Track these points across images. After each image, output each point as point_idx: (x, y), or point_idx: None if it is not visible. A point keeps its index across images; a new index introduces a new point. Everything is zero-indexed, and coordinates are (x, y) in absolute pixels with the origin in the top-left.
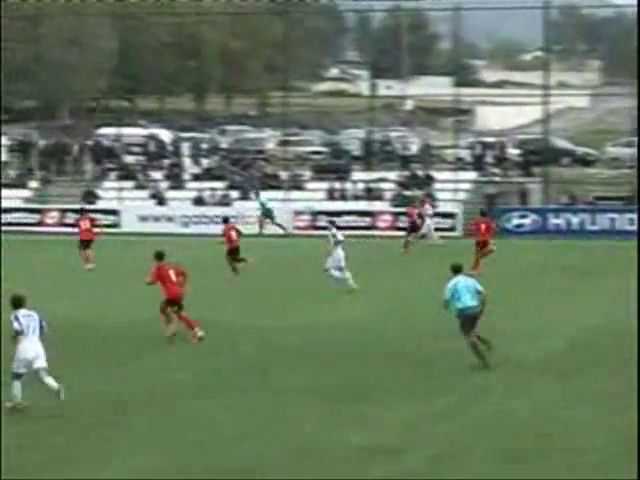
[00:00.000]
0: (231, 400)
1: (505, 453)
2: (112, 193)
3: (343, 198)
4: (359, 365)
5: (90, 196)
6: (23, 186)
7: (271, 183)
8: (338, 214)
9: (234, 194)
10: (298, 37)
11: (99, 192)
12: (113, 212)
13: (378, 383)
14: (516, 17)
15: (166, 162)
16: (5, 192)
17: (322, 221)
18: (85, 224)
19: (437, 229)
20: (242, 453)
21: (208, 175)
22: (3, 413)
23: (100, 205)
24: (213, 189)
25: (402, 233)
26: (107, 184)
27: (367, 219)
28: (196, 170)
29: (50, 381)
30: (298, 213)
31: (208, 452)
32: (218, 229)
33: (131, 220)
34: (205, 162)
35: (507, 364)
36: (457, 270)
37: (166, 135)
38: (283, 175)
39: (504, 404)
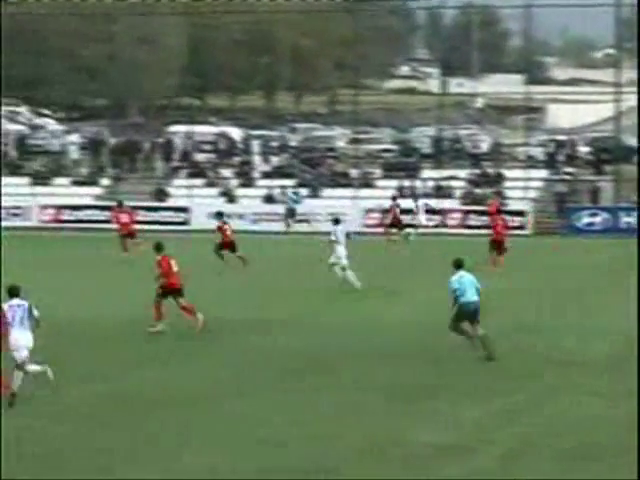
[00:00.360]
0: (293, 398)
1: (576, 452)
2: (182, 191)
3: (413, 196)
4: (426, 363)
5: (160, 194)
6: (94, 184)
7: (341, 181)
8: (407, 212)
9: (304, 192)
10: (368, 35)
11: (169, 190)
12: (183, 210)
13: (447, 381)
14: (587, 14)
15: (236, 160)
16: (76, 189)
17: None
18: (124, 217)
19: (507, 227)
20: (309, 452)
21: (278, 173)
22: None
23: (170, 203)
24: (283, 187)
25: (473, 231)
26: (177, 182)
27: (437, 217)
28: (266, 168)
29: (34, 367)
30: (368, 211)
31: (273, 451)
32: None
33: (201, 218)
34: (275, 160)
35: (575, 363)
36: (459, 265)
37: (236, 133)
38: (353, 173)
39: (574, 403)
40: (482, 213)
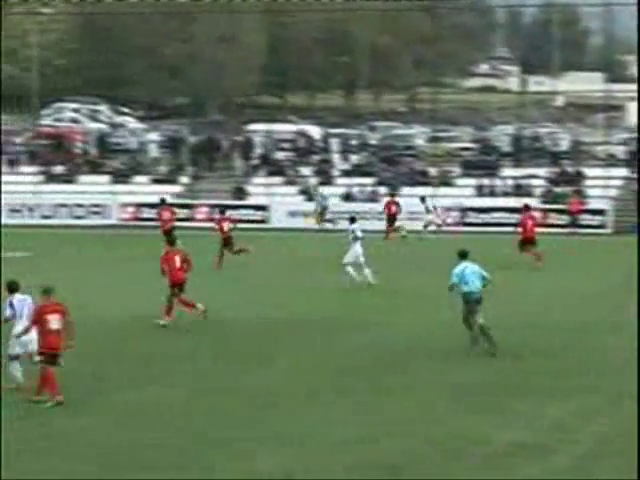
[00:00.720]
0: (369, 398)
1: None
2: (261, 189)
3: (492, 194)
4: (504, 362)
5: (240, 192)
6: (173, 182)
7: (420, 179)
8: (487, 211)
9: (382, 190)
10: (448, 33)
11: (248, 188)
12: (262, 208)
13: (524, 380)
14: None
15: (315, 158)
16: (156, 187)
17: (471, 217)
18: (166, 214)
19: (587, 226)
20: (388, 451)
21: (357, 171)
22: (4, 394)
23: (249, 201)
24: (362, 185)
25: (554, 230)
26: (257, 180)
27: (516, 216)
28: (345, 166)
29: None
30: (447, 209)
31: (350, 450)
32: (366, 225)
33: (280, 216)
34: (354, 158)
35: None
36: (463, 256)
37: (316, 131)
38: (432, 171)
39: None
40: (562, 212)
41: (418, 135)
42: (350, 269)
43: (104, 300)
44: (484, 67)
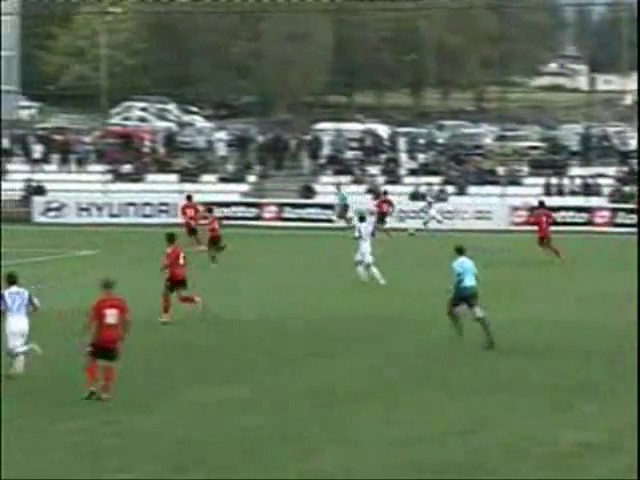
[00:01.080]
0: (434, 397)
1: None
2: (329, 188)
3: (560, 194)
4: (568, 362)
5: (307, 191)
6: (241, 181)
7: (488, 179)
8: (555, 210)
9: (450, 189)
10: (515, 32)
11: (316, 187)
12: (330, 207)
13: (593, 380)
14: None
15: (383, 157)
16: (223, 186)
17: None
18: (190, 212)
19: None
20: (456, 450)
21: (425, 170)
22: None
23: (317, 200)
24: (429, 184)
25: (622, 230)
26: (324, 179)
27: (584, 215)
28: (413, 165)
29: (24, 348)
30: (515, 209)
31: (417, 449)
32: (435, 224)
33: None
34: (422, 157)
35: None
36: (461, 251)
37: (383, 130)
38: (500, 170)
39: None
40: (631, 211)
41: (486, 134)
42: (360, 268)
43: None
44: (552, 66)
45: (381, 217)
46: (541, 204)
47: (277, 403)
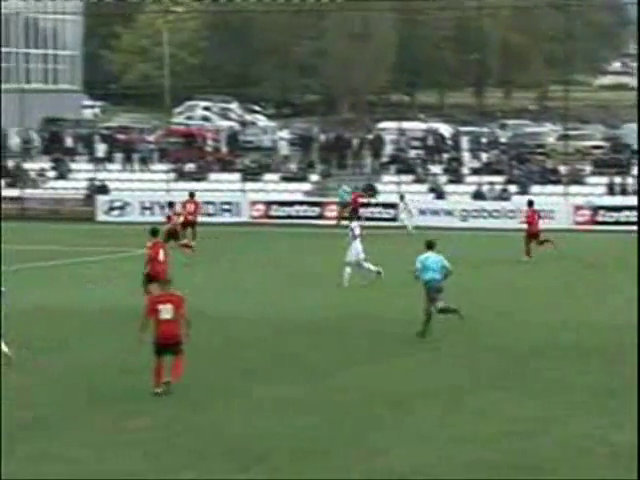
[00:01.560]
0: (496, 397)
1: None
2: (391, 187)
3: (623, 193)
4: (625, 364)
5: (369, 189)
6: (304, 180)
7: (550, 178)
8: (618, 209)
9: (513, 188)
10: (579, 30)
11: (378, 186)
12: (392, 206)
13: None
14: None
15: (445, 156)
16: (286, 185)
17: (603, 216)
18: (190, 207)
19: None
20: (514, 449)
21: (487, 169)
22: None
23: (380, 199)
24: (492, 183)
25: None
26: (386, 178)
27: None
28: (475, 164)
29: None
30: (578, 208)
31: (476, 448)
32: (497, 223)
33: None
34: (484, 156)
35: None
36: (430, 246)
37: (446, 129)
38: (563, 170)
39: None
40: None
41: (549, 133)
42: (365, 264)
43: (232, 297)
44: (616, 65)
45: (354, 211)
46: (530, 203)
47: (335, 403)
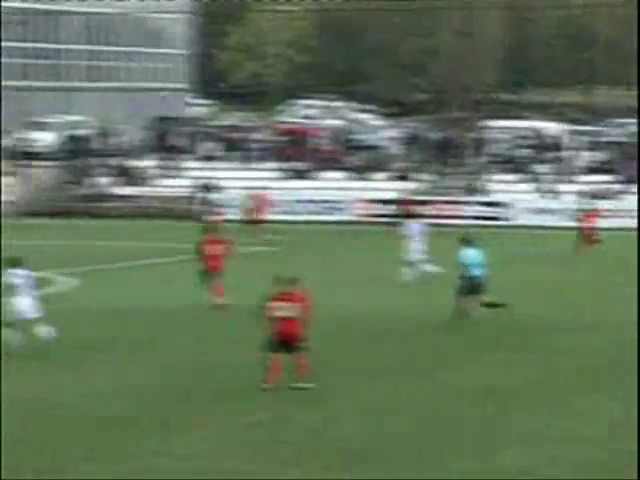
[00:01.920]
0: (598, 398)
1: None
2: (498, 186)
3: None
4: None
5: (476, 189)
6: (412, 179)
7: None
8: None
9: (623, 187)
10: None
11: (485, 185)
12: (499, 204)
13: None
14: None
15: (553, 155)
16: (393, 184)
17: None
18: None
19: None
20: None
21: (597, 169)
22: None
23: (486, 198)
24: (602, 183)
25: None
26: (493, 177)
27: None
28: (584, 164)
29: (39, 330)
30: None
31: (588, 449)
32: (608, 223)
33: (519, 213)
34: (594, 156)
35: None
36: (467, 242)
37: (554, 128)
38: None
39: None
40: None
41: None
42: (417, 266)
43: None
44: None
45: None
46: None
47: (437, 402)
